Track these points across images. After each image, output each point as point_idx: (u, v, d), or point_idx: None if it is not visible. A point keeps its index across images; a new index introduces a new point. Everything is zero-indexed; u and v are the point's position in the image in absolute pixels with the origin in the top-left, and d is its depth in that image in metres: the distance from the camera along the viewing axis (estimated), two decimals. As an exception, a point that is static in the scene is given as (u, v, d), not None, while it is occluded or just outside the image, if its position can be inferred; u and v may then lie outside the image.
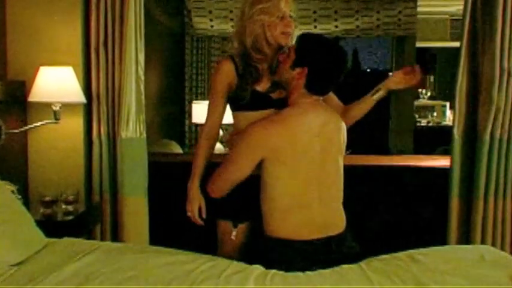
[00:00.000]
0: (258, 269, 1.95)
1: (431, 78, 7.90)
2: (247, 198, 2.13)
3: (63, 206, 2.78)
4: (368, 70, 8.19)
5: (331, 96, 2.30)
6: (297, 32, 2.20)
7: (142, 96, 2.98)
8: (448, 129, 3.02)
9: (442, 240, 2.89)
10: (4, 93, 2.79)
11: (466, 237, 2.91)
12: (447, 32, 6.80)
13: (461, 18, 2.86)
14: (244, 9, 2.17)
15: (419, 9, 5.81)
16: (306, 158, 2.05)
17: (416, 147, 5.92)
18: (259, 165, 2.07)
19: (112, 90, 2.97)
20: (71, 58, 2.93)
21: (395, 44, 6.25)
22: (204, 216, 2.22)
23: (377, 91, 2.30)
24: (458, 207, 2.92)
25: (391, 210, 3.34)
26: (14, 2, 2.97)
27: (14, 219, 2.18)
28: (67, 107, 2.87)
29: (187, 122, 5.85)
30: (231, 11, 5.65)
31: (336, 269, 1.95)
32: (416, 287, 1.77)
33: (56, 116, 2.80)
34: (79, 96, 2.83)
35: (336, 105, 2.32)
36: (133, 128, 2.93)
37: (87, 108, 3.00)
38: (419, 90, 7.44)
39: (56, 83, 2.75)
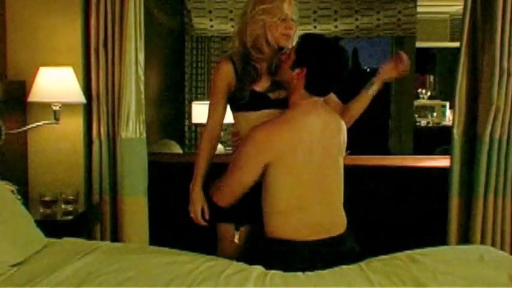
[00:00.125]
0: (258, 269, 1.95)
1: (431, 78, 7.90)
2: (249, 201, 2.12)
3: (63, 206, 2.78)
4: (368, 70, 8.18)
5: (331, 95, 2.29)
6: (297, 32, 2.20)
7: (142, 96, 2.98)
8: (448, 129, 3.02)
9: (442, 240, 2.89)
10: (4, 93, 2.80)
11: (465, 237, 2.91)
12: (447, 32, 6.79)
13: (461, 18, 2.86)
14: (247, 8, 2.16)
15: (419, 9, 5.80)
16: (308, 160, 2.05)
17: (416, 147, 5.92)
18: None
19: (112, 90, 2.97)
20: (70, 58, 2.93)
21: (395, 44, 6.25)
22: (207, 217, 2.21)
23: (371, 85, 2.29)
24: (458, 207, 2.92)
25: (391, 210, 3.34)
26: (14, 2, 2.97)
27: (13, 219, 2.18)
28: (67, 107, 2.87)
29: (187, 122, 5.84)
30: (231, 11, 5.65)
31: (336, 269, 1.95)
32: None
33: (56, 116, 2.80)
34: (79, 97, 2.83)
35: (335, 104, 2.32)
36: (133, 128, 2.93)
37: (87, 109, 3.00)
38: (419, 90, 7.43)
39: (56, 83, 2.75)
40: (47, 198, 2.74)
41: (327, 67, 2.05)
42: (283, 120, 2.06)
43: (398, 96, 6.02)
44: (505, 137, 2.82)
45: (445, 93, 7.44)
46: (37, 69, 2.80)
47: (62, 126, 2.89)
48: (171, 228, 3.09)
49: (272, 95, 2.18)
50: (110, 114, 2.99)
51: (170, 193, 3.01)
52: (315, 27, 5.75)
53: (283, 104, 2.14)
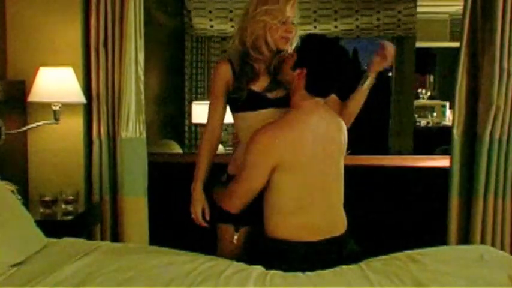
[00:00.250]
0: (258, 269, 1.95)
1: (431, 78, 7.90)
2: (250, 203, 2.12)
3: (63, 206, 2.78)
4: (368, 70, 8.17)
5: (331, 95, 2.29)
6: (297, 35, 2.20)
7: (142, 96, 2.98)
8: (448, 129, 3.02)
9: (442, 240, 2.89)
10: (4, 93, 2.80)
11: (465, 237, 2.91)
12: (447, 32, 6.79)
13: (461, 18, 2.86)
14: (249, 8, 2.16)
15: (419, 9, 5.80)
16: (310, 160, 2.04)
17: (416, 147, 5.92)
18: None
19: (112, 90, 2.97)
20: (70, 58, 2.93)
21: (395, 44, 6.24)
22: (207, 218, 2.21)
23: (366, 79, 2.28)
24: (458, 207, 2.92)
25: (391, 210, 3.34)
26: (14, 2, 2.97)
27: (13, 219, 2.18)
28: (67, 107, 2.87)
29: (187, 122, 5.84)
30: (231, 11, 5.65)
31: (336, 269, 1.95)
32: (416, 288, 1.78)
33: (56, 116, 2.80)
34: (79, 97, 2.83)
35: (335, 102, 2.30)
36: (133, 128, 2.93)
37: (87, 109, 3.00)
38: (419, 90, 7.43)
39: (56, 83, 2.75)
40: (47, 198, 2.74)
41: (326, 68, 2.04)
42: (286, 122, 2.05)
43: (398, 96, 6.02)
44: (505, 137, 2.82)
45: (445, 93, 7.44)
46: (37, 69, 2.80)
47: (62, 126, 2.89)
48: (171, 228, 3.09)
49: (270, 95, 2.17)
50: (110, 114, 2.99)
51: (170, 193, 3.01)
52: (315, 27, 5.75)
53: (281, 104, 2.14)
